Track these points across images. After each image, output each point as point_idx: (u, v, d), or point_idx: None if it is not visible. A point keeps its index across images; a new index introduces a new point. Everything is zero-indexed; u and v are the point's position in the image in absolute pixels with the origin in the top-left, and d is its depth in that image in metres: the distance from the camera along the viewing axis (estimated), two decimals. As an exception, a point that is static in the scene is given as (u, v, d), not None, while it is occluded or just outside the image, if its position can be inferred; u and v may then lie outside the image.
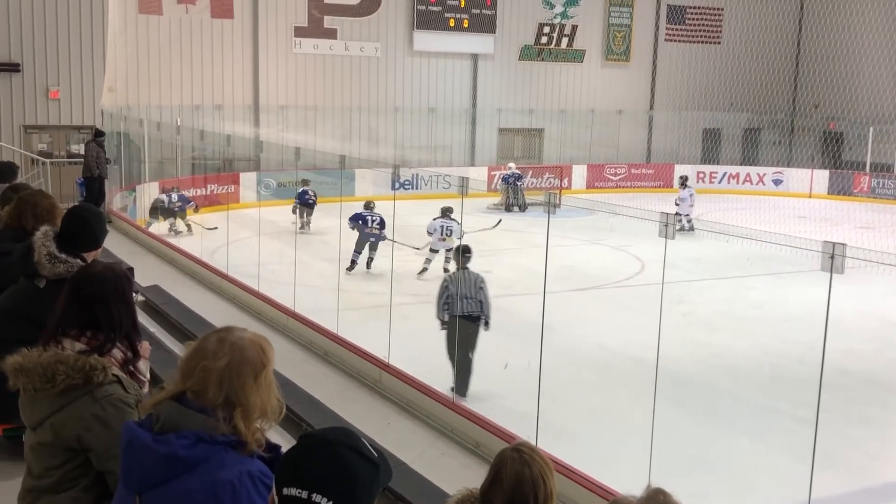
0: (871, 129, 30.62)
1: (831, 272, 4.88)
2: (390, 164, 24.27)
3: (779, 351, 11.59)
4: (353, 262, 16.03)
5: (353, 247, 16.21)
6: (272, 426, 2.65)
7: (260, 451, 2.52)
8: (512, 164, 26.65)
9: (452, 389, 8.81)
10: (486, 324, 9.66)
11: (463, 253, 10.12)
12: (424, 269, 15.98)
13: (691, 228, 19.69)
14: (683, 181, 23.80)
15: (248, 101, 26.49)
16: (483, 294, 9.53)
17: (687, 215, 21.15)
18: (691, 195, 22.72)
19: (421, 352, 10.32)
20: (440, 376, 9.05)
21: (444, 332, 9.66)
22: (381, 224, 16.01)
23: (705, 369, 11.07)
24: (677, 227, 7.20)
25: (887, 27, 31.27)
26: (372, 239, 16.00)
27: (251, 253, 13.21)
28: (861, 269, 11.84)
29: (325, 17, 27.22)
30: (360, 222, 15.92)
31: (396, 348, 9.42)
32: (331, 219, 14.09)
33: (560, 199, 12.00)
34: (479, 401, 8.63)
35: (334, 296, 11.03)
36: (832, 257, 4.82)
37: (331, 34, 27.34)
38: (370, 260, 16.17)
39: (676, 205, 21.72)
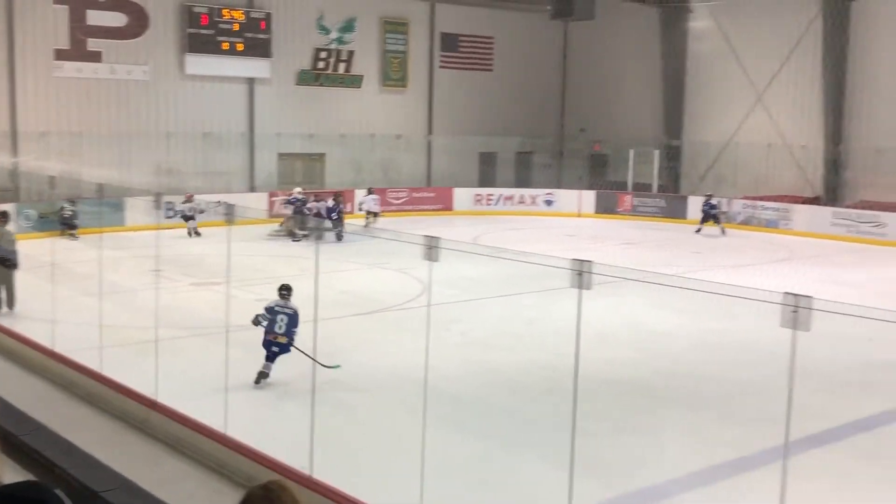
0: (632, 151, 32.68)
1: (580, 288, 5.07)
2: (166, 191, 23.41)
3: (550, 364, 12.00)
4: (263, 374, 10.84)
5: (118, 278, 15.35)
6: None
7: None
8: (298, 189, 26.35)
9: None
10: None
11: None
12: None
13: None
14: None
15: (3, 128, 24.75)
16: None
17: None
18: None
19: (193, 387, 9.92)
20: (214, 410, 8.70)
21: (226, 359, 9.25)
22: (292, 322, 10.88)
23: (482, 386, 11.30)
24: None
25: (645, 55, 33.54)
26: (275, 348, 10.88)
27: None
28: (624, 284, 12.53)
29: (89, 40, 25.92)
30: (267, 321, 11.02)
31: (166, 385, 9.01)
32: (94, 250, 13.32)
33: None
34: (254, 433, 8.34)
35: (99, 332, 10.41)
36: (580, 274, 5.01)
37: (95, 57, 26.05)
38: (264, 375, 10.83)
39: None
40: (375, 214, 26.78)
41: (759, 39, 30.60)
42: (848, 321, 5.93)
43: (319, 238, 23.36)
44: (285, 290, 11.06)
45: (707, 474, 8.64)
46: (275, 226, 24.82)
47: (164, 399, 8.74)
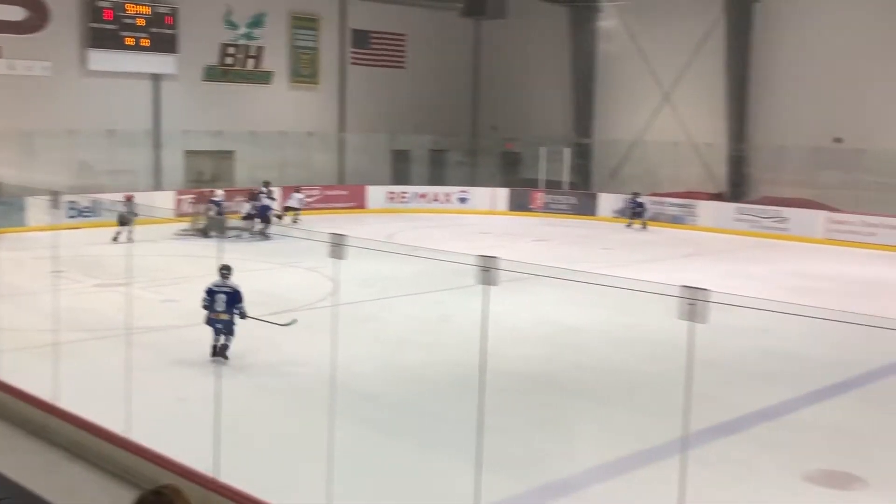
0: (544, 149, 33.06)
1: (486, 284, 5.08)
2: (69, 190, 22.70)
3: (463, 361, 12.00)
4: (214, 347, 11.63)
5: (18, 280, 14.84)
6: None
7: None
8: (219, 191, 25.92)
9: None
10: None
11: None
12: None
13: None
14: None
15: None
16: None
17: None
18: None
19: (95, 391, 9.63)
20: (116, 414, 8.45)
21: (128, 362, 9.03)
22: (231, 300, 11.44)
23: (396, 385, 11.26)
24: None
25: (555, 55, 33.95)
26: (218, 325, 11.51)
27: None
28: (536, 280, 12.62)
29: (-14, 34, 25.00)
30: (207, 303, 11.56)
31: (68, 389, 8.71)
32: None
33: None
34: (157, 437, 8.12)
35: (-5, 336, 10.03)
36: (486, 270, 5.02)
37: (-7, 52, 25.14)
38: (224, 347, 11.56)
39: None
40: (297, 211, 27.27)
41: (665, 39, 31.27)
42: (748, 313, 6.09)
43: (255, 237, 23.08)
44: (225, 270, 11.54)
45: (615, 466, 8.77)
46: (183, 225, 24.31)
47: (64, 404, 8.46)
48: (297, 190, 28.21)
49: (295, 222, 26.94)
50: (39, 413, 8.35)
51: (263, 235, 23.47)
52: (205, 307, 11.45)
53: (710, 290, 4.43)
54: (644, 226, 28.27)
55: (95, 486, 7.29)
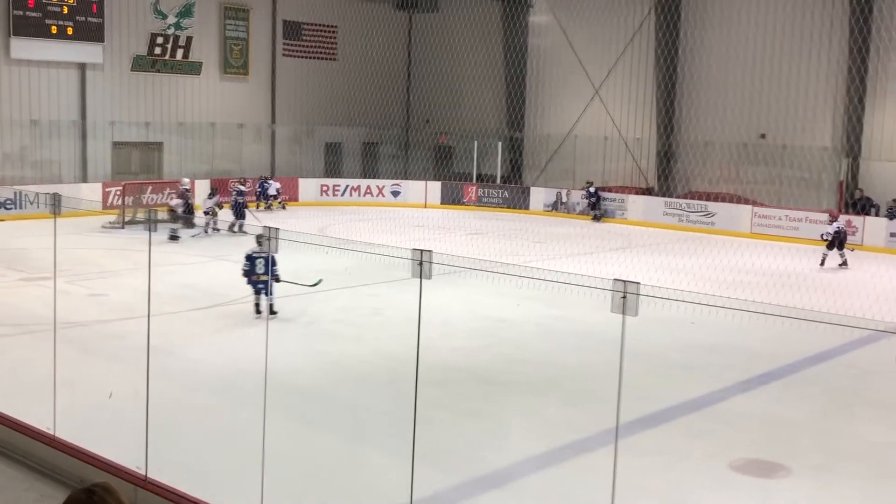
0: (476, 142, 33.21)
1: (420, 277, 5.09)
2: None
3: (395, 354, 12.04)
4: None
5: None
6: None
7: None
8: (186, 179, 25.48)
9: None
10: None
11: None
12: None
13: None
14: None
15: None
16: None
17: None
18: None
19: (20, 387, 9.41)
20: (42, 411, 8.26)
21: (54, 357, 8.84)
22: (268, 263, 13.49)
23: (327, 378, 11.22)
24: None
25: (487, 49, 34.10)
26: (259, 285, 13.69)
27: None
28: (469, 273, 12.67)
29: None
30: (248, 267, 13.70)
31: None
32: None
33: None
34: (85, 434, 7.96)
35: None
36: (420, 264, 5.03)
37: None
38: (270, 305, 13.42)
39: None
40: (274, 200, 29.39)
41: (595, 34, 31.66)
42: (676, 306, 6.20)
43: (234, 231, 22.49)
44: (261, 238, 12.66)
45: (548, 457, 8.87)
46: (110, 218, 23.83)
47: (-14, 401, 8.24)
48: (267, 180, 29.48)
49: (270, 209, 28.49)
50: (-39, 411, 8.12)
51: (239, 230, 22.89)
52: (245, 272, 13.68)
53: (641, 283, 4.52)
54: (598, 218, 29.00)
55: (20, 484, 7.12)
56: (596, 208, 29.42)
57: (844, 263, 21.15)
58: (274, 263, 13.51)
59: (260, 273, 13.55)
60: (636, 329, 5.12)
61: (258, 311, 13.82)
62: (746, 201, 27.37)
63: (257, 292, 13.79)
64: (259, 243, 13.14)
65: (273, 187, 29.38)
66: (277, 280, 13.73)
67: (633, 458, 8.20)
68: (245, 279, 13.73)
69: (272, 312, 13.45)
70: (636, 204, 29.29)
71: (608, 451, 8.30)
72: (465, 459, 8.70)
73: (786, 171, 27.81)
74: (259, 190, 29.35)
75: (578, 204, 30.03)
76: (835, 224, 21.68)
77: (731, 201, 27.46)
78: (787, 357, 12.65)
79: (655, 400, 10.29)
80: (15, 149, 26.41)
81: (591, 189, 29.65)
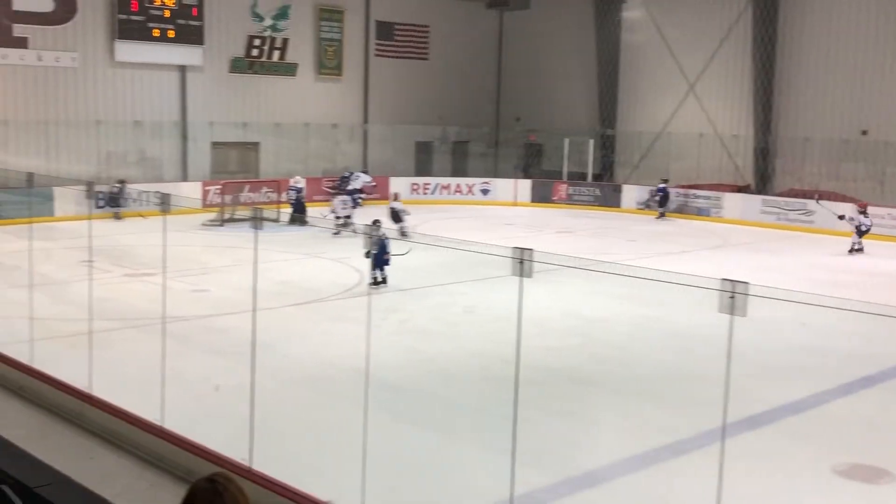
0: (567, 140, 32.99)
1: (521, 276, 5.11)
2: (90, 181, 22.89)
3: (488, 352, 12.08)
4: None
5: (48, 270, 14.99)
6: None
7: None
8: (299, 178, 26.21)
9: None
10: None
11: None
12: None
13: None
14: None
15: (-76, 115, 23.99)
16: None
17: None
18: None
19: (128, 379, 9.76)
20: (150, 402, 8.56)
21: (159, 352, 9.17)
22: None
23: (422, 375, 11.32)
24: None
25: (579, 46, 33.86)
26: (376, 262, 16.04)
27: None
28: (562, 272, 12.63)
29: (15, 26, 25.19)
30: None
31: (100, 377, 8.83)
32: (23, 241, 12.98)
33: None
34: (192, 425, 8.23)
35: (28, 325, 10.17)
36: (521, 262, 5.05)
37: (21, 43, 25.33)
38: (384, 278, 16.27)
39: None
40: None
41: (690, 30, 31.10)
42: (777, 306, 6.07)
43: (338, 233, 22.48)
44: (377, 221, 16.29)
45: (643, 458, 8.78)
46: (210, 215, 24.50)
47: (98, 392, 8.58)
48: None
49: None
50: (74, 401, 8.47)
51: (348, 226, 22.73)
52: (366, 252, 14.93)
53: (749, 283, 4.44)
54: (663, 215, 28.64)
55: (131, 473, 7.39)
56: (663, 206, 29.02)
57: (860, 250, 21.89)
58: (387, 244, 15.79)
59: (376, 252, 15.44)
60: (735, 329, 5.04)
61: (374, 283, 16.09)
62: (847, 199, 26.52)
63: (373, 268, 16.09)
64: (376, 227, 14.78)
65: (360, 181, 28.65)
66: (388, 258, 15.97)
67: (734, 461, 8.05)
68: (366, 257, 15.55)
69: (383, 282, 16.16)
70: (732, 202, 28.68)
71: (704, 454, 8.20)
72: (558, 459, 8.68)
73: (889, 168, 26.88)
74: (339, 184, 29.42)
75: (672, 202, 29.51)
76: (867, 219, 22.41)
77: (831, 199, 26.65)
78: (892, 359, 12.25)
79: (755, 402, 10.08)
80: (119, 149, 27.34)
81: (661, 186, 29.24)
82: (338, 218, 23.05)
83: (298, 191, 25.58)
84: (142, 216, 22.79)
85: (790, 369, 12.05)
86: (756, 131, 29.71)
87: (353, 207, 23.96)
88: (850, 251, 21.94)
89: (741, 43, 29.82)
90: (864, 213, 22.71)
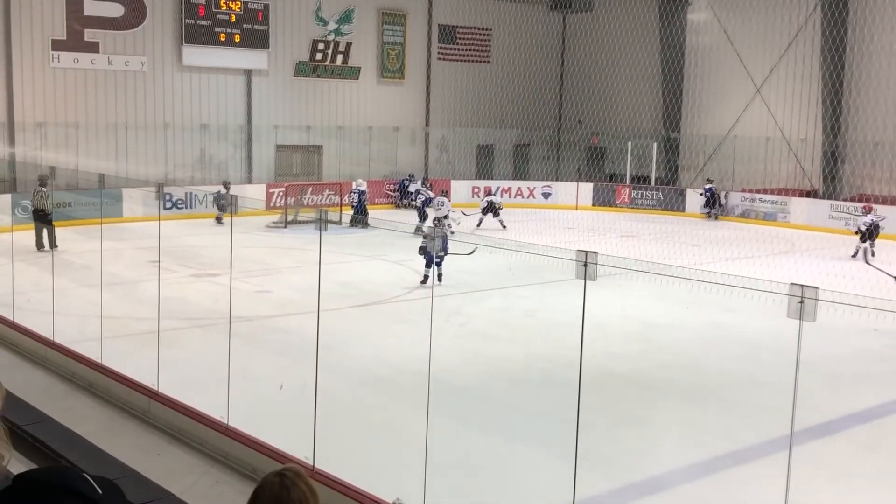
0: (630, 143, 32.70)
1: (585, 279, 5.08)
2: (160, 182, 23.37)
3: (549, 356, 12.03)
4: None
5: (117, 270, 15.34)
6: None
7: None
8: (361, 180, 26.53)
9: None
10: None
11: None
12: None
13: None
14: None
15: (1, 119, 24.69)
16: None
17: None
18: None
19: (194, 378, 9.93)
20: (215, 401, 8.71)
21: (224, 351, 9.31)
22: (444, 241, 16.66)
23: (482, 378, 11.31)
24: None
25: (643, 47, 33.54)
26: (437, 260, 16.29)
27: (5, 281, 12.26)
28: (625, 276, 12.53)
29: (86, 30, 25.85)
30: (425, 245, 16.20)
31: (167, 375, 9.02)
32: (93, 241, 13.29)
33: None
34: (256, 424, 8.35)
35: (99, 324, 10.41)
36: (585, 265, 5.02)
37: (92, 48, 25.99)
38: (440, 275, 16.43)
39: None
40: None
41: (757, 32, 30.60)
42: (846, 312, 5.91)
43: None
44: (437, 221, 18.09)
45: (707, 466, 8.66)
46: (274, 217, 24.82)
47: (164, 389, 8.75)
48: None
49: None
50: (142, 398, 8.65)
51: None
52: (422, 248, 15.99)
53: (819, 288, 4.36)
54: (714, 216, 28.73)
55: (196, 469, 7.52)
56: (712, 207, 28.98)
57: (872, 255, 21.50)
58: (446, 242, 16.46)
59: (436, 249, 15.97)
60: (804, 335, 4.94)
61: (439, 279, 16.24)
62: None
63: (428, 265, 16.37)
64: (435, 225, 16.48)
65: (417, 185, 28.90)
66: (446, 254, 16.40)
67: (800, 470, 7.90)
68: (421, 254, 16.24)
69: (439, 280, 16.28)
70: (799, 207, 28.12)
71: (768, 463, 8.06)
72: (621, 465, 8.61)
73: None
74: (399, 189, 29.85)
75: (737, 206, 29.13)
76: (869, 216, 21.93)
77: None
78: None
79: (822, 410, 9.87)
80: (186, 151, 27.86)
81: (707, 187, 29.16)
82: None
83: (361, 193, 25.80)
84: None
85: (859, 377, 11.78)
86: (824, 135, 29.11)
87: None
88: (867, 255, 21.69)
89: (809, 45, 29.26)
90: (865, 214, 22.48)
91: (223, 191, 23.68)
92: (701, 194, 29.42)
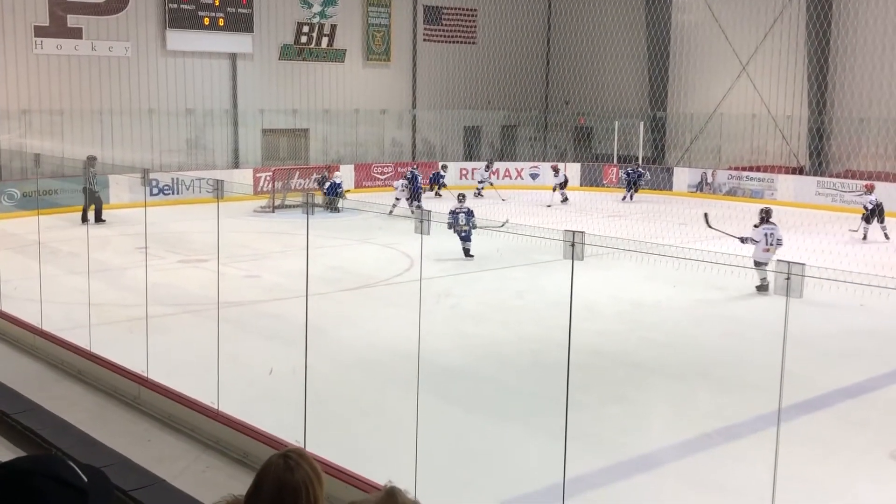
0: (617, 123, 32.70)
1: (573, 259, 5.09)
2: (146, 168, 23.24)
3: (539, 337, 12.06)
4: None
5: (104, 257, 15.29)
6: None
7: None
8: (338, 174, 26.53)
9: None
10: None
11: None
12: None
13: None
14: None
15: (-16, 106, 24.53)
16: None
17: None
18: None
19: (183, 364, 9.92)
20: (205, 386, 8.70)
21: (213, 336, 9.31)
22: (469, 215, 17.06)
23: (473, 360, 11.33)
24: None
25: (629, 27, 33.48)
26: (462, 234, 17.11)
27: (-9, 269, 12.19)
28: (612, 255, 12.54)
29: (69, 16, 25.64)
30: (453, 219, 16.80)
31: (156, 362, 9.00)
32: (78, 228, 13.24)
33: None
34: (246, 409, 8.35)
35: (87, 311, 10.38)
36: (573, 245, 5.02)
37: (75, 34, 25.78)
38: (467, 250, 17.29)
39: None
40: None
41: (742, 9, 30.59)
42: (833, 289, 5.97)
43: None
44: (461, 196, 18.71)
45: (697, 443, 8.71)
46: (261, 202, 24.76)
47: (154, 376, 8.74)
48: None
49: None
50: (132, 385, 8.64)
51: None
52: (450, 225, 16.21)
53: (805, 265, 4.38)
54: (630, 197, 28.79)
55: (187, 455, 7.52)
56: (630, 187, 29.02)
57: (886, 236, 21.00)
58: (472, 215, 16.83)
59: (463, 224, 16.58)
60: (791, 312, 4.96)
61: (468, 255, 17.10)
62: (905, 180, 25.93)
63: (462, 240, 17.09)
64: (459, 200, 17.09)
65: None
66: (474, 227, 16.61)
67: (789, 445, 7.95)
68: (450, 230, 16.61)
69: (469, 256, 17.04)
70: (786, 184, 28.21)
71: (758, 439, 8.11)
72: (611, 443, 8.65)
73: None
74: (431, 178, 29.55)
75: (724, 185, 29.13)
76: (873, 195, 21.59)
77: (889, 180, 26.07)
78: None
79: (810, 386, 9.94)
80: (171, 137, 27.72)
81: (631, 168, 29.44)
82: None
83: (338, 185, 25.53)
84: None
85: (847, 353, 11.86)
86: (811, 112, 29.17)
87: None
88: (864, 238, 21.16)
89: (794, 21, 29.27)
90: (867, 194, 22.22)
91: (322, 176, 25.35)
92: (626, 173, 29.49)
